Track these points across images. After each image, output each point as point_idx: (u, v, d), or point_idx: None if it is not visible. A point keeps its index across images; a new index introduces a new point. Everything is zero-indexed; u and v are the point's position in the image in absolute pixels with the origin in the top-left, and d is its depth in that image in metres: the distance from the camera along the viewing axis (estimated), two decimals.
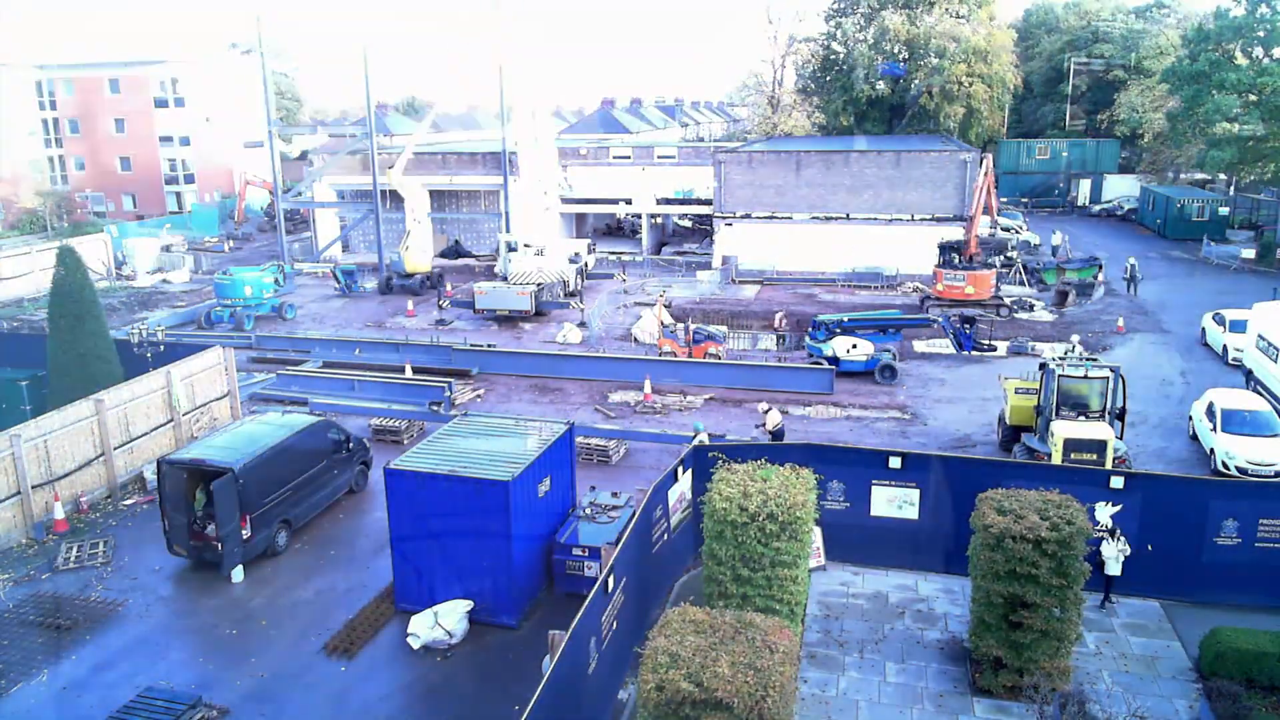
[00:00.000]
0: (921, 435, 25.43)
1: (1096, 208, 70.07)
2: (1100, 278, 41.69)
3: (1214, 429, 22.88)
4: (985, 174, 39.61)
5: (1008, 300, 38.27)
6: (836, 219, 45.88)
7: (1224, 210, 56.54)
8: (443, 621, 15.84)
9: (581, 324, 36.88)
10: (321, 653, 15.84)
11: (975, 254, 38.19)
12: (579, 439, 23.08)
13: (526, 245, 40.77)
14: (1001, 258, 41.38)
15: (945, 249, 38.73)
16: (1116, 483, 16.69)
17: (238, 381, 26.97)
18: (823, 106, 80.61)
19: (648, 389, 29.01)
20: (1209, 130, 50.38)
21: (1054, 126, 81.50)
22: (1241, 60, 48.76)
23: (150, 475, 22.17)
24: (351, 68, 48.75)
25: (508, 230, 47.67)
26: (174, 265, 51.47)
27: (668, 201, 54.02)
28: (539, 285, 39.50)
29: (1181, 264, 49.07)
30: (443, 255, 54.10)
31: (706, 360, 31.23)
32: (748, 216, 46.99)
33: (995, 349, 32.23)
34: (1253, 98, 47.52)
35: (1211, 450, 22.74)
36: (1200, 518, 16.48)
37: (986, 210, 40.12)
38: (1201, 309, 35.41)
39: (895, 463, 17.61)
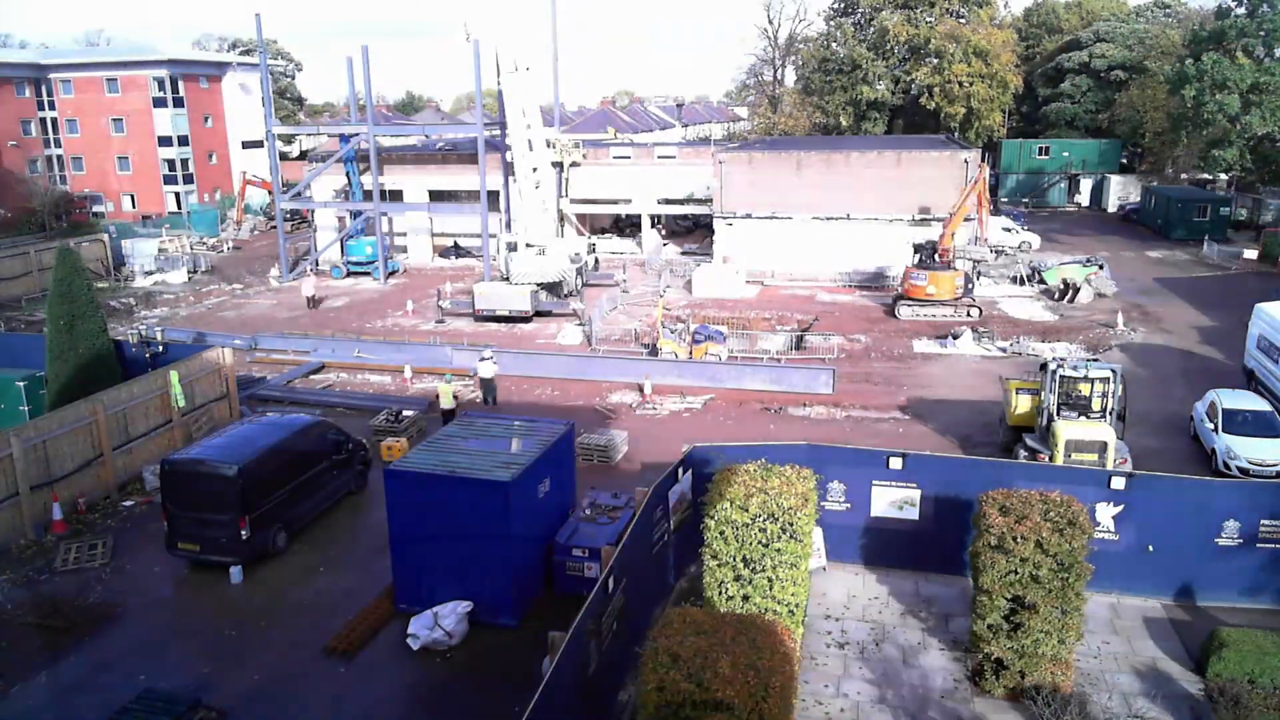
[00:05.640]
0: (921, 435, 25.39)
1: (1111, 208, 69.81)
2: (1097, 275, 41.62)
3: (1215, 429, 22.85)
4: (977, 179, 39.71)
5: (977, 300, 38.48)
6: (837, 219, 45.85)
7: (1225, 210, 56.51)
8: (442, 622, 15.80)
9: (581, 324, 36.84)
10: (321, 654, 15.80)
11: (945, 254, 38.25)
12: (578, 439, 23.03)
13: (529, 245, 40.66)
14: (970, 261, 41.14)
15: (919, 249, 38.92)
16: (1118, 483, 16.66)
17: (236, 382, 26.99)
18: (823, 106, 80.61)
19: (648, 389, 28.97)
20: (1210, 131, 50.40)
21: (1055, 126, 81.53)
22: (1243, 60, 48.77)
23: (150, 476, 22.15)
24: (352, 63, 48.37)
25: (508, 230, 47.67)
26: (172, 266, 51.39)
27: (668, 202, 53.98)
28: (539, 285, 39.47)
29: (1183, 264, 49.04)
30: (443, 256, 54.16)
31: (706, 360, 31.18)
32: (748, 216, 46.98)
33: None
34: (1254, 98, 47.54)
35: (1213, 450, 22.71)
36: (1201, 518, 16.44)
37: (970, 218, 40.14)
38: (1202, 310, 35.41)
39: (895, 463, 17.57)
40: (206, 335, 34.86)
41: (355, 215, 51.58)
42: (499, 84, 40.92)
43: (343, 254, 50.52)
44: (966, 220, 40.52)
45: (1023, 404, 22.85)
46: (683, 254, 52.59)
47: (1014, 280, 43.43)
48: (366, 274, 49.01)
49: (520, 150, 40.06)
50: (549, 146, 41.28)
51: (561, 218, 47.66)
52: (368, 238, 49.88)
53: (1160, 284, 44.01)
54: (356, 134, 49.76)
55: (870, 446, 19.57)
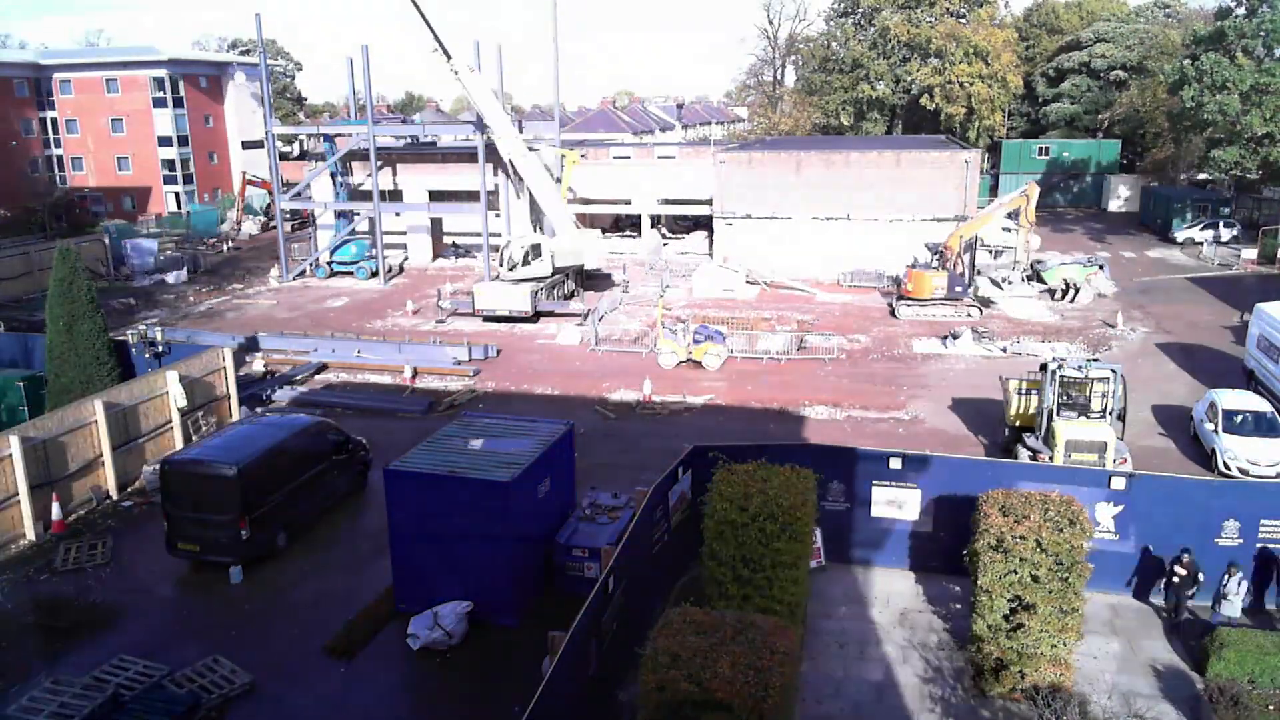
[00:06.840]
0: (921, 435, 25.38)
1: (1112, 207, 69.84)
2: (1097, 275, 41.59)
3: (1215, 429, 22.85)
4: (1025, 191, 39.33)
5: (975, 300, 38.55)
6: (837, 219, 45.84)
7: (1225, 210, 56.45)
8: (442, 622, 15.80)
9: (581, 324, 36.83)
10: (321, 654, 15.80)
11: (948, 251, 38.18)
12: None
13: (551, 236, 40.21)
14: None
15: (933, 250, 38.99)
16: (1118, 483, 16.66)
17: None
18: (823, 106, 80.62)
19: (648, 389, 28.97)
20: (1211, 131, 50.33)
21: (1055, 126, 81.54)
22: (1243, 61, 48.71)
23: (150, 476, 22.14)
24: (350, 61, 48.63)
25: (509, 230, 47.67)
26: (173, 266, 51.32)
27: (668, 202, 53.98)
28: (540, 285, 39.39)
29: (1183, 264, 49.02)
30: (443, 256, 54.12)
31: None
32: (748, 216, 46.96)
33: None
34: (1254, 98, 47.45)
35: (1213, 450, 22.70)
36: (1201, 518, 16.44)
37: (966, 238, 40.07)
38: (1202, 310, 35.39)
39: (895, 463, 17.57)
40: (203, 335, 34.83)
41: (339, 216, 51.52)
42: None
43: (329, 254, 50.45)
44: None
45: (1023, 404, 22.85)
46: (683, 254, 52.56)
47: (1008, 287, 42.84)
48: (350, 274, 49.07)
49: (509, 140, 39.90)
50: (553, 147, 41.20)
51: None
52: (358, 238, 50.32)
53: (1160, 284, 43.99)
54: (348, 134, 49.80)
55: (870, 446, 19.57)
